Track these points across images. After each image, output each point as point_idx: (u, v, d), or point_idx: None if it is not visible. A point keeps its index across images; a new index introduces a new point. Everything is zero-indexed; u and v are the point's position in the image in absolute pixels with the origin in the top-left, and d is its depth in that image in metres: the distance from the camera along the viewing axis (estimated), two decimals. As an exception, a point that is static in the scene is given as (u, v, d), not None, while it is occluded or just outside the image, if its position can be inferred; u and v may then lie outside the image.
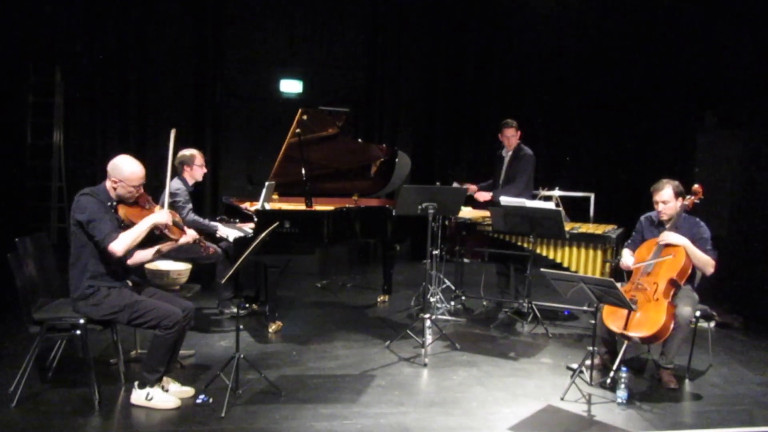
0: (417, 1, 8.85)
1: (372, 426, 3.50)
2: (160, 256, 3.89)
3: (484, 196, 5.97)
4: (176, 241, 3.73)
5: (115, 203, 3.60)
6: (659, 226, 4.36)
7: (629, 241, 4.58)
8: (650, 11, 7.83)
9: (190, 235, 3.80)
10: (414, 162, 6.53)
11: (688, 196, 4.29)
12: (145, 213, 3.66)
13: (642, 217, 4.53)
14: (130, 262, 3.75)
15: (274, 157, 5.47)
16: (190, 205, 5.20)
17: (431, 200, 4.67)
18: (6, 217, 7.24)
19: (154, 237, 3.67)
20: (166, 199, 3.86)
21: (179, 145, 5.30)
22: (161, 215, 3.61)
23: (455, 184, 5.87)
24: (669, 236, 4.16)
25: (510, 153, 5.97)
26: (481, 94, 8.86)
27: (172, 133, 3.83)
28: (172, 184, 5.06)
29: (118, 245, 3.44)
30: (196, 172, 5.32)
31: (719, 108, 7.14)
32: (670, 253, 4.15)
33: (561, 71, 8.62)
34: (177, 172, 5.26)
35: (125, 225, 3.59)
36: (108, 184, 3.59)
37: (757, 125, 6.59)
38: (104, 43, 7.77)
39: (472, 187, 6.03)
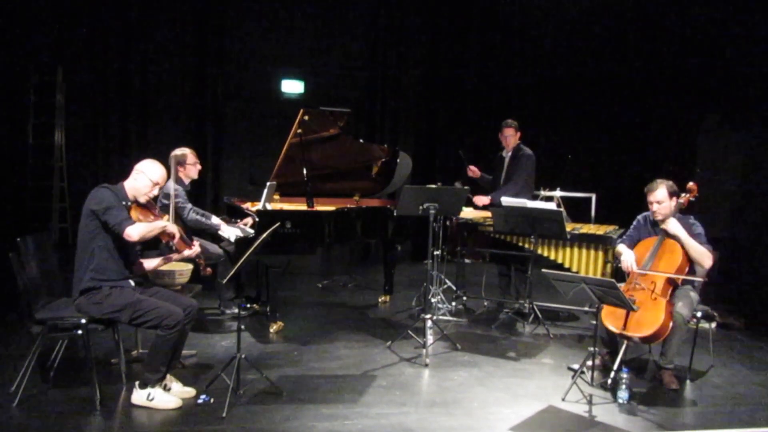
0: (418, 1, 8.85)
1: (373, 426, 3.50)
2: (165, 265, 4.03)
3: (482, 200, 5.95)
4: (180, 252, 3.84)
5: (129, 203, 3.67)
6: (654, 226, 4.36)
7: (624, 236, 4.56)
8: (652, 11, 7.83)
9: (194, 250, 3.90)
10: (415, 162, 6.53)
11: (683, 194, 4.29)
12: (155, 218, 3.79)
13: (640, 216, 4.52)
14: (147, 267, 3.88)
15: (276, 158, 5.48)
16: (190, 205, 5.20)
17: (432, 201, 4.67)
18: (7, 216, 7.26)
19: (159, 247, 3.75)
20: (172, 207, 4.01)
21: (179, 145, 5.33)
22: (172, 225, 3.73)
23: (461, 185, 5.90)
24: (671, 223, 4.16)
25: (509, 153, 5.97)
26: (482, 94, 8.87)
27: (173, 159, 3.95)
28: (169, 185, 5.09)
29: (134, 231, 3.51)
30: (190, 170, 5.30)
31: (720, 108, 7.14)
32: (670, 247, 4.17)
33: (562, 71, 8.61)
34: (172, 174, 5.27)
35: None
36: (128, 181, 3.72)
37: (758, 125, 6.59)
38: (106, 43, 7.78)
39: (475, 170, 6.05)
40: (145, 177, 3.68)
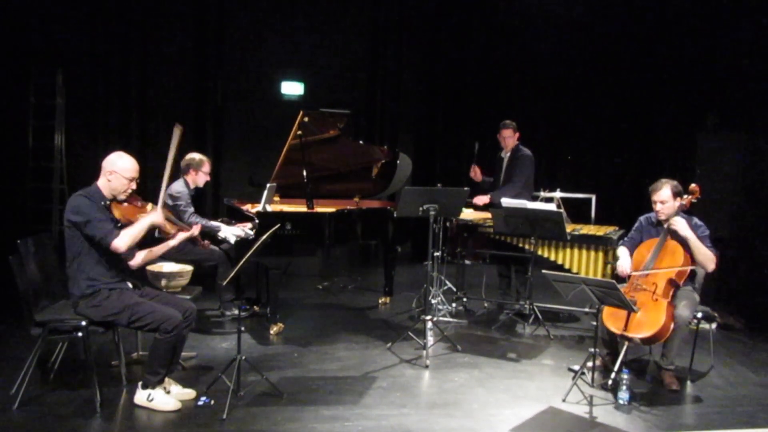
0: (418, 3, 8.86)
1: (373, 428, 3.50)
2: (160, 257, 3.94)
3: (482, 199, 5.96)
4: (174, 235, 3.76)
5: (108, 202, 3.60)
6: (657, 226, 4.36)
7: (626, 239, 4.55)
8: (652, 12, 7.84)
9: (192, 231, 3.86)
10: (415, 163, 6.53)
11: (685, 196, 4.29)
12: (139, 211, 3.69)
13: (641, 218, 4.52)
14: (133, 263, 3.79)
15: (276, 159, 5.48)
16: (191, 209, 5.20)
17: (432, 202, 4.67)
18: (7, 218, 7.25)
19: (154, 238, 3.70)
20: (162, 194, 3.78)
21: (184, 146, 5.32)
22: (158, 216, 3.62)
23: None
24: (679, 224, 4.13)
25: (509, 154, 5.97)
26: (482, 96, 8.87)
27: (177, 130, 3.74)
28: (174, 186, 5.10)
29: (121, 242, 3.46)
30: (200, 178, 5.33)
31: (720, 109, 7.14)
32: (672, 249, 4.15)
33: (562, 72, 8.62)
34: (181, 174, 5.27)
35: (122, 225, 3.62)
36: (101, 181, 3.62)
37: (758, 126, 6.58)
38: (106, 45, 7.78)
39: (477, 172, 6.06)
40: (119, 176, 3.58)
